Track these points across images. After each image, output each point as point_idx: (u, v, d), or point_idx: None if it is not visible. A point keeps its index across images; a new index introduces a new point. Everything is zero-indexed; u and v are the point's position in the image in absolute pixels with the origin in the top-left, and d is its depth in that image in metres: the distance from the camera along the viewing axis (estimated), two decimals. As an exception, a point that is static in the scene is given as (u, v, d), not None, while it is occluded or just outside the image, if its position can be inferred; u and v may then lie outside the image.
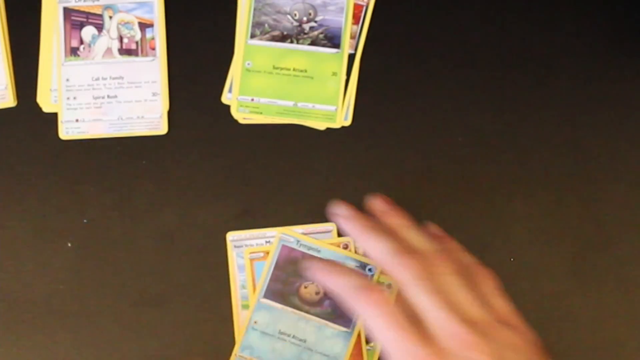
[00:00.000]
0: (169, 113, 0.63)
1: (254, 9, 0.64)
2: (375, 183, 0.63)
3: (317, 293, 0.60)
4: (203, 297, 0.61)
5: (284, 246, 0.60)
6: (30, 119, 0.64)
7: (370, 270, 0.59)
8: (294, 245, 0.60)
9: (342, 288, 0.52)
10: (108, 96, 0.64)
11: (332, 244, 0.60)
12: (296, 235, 0.60)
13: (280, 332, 0.60)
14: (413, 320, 0.50)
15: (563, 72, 0.65)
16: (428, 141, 0.64)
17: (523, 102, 0.64)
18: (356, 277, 0.52)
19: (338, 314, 0.60)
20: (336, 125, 0.64)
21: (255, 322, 0.60)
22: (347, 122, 0.64)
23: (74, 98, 0.64)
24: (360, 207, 0.62)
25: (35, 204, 0.63)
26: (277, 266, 0.60)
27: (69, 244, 0.62)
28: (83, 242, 0.62)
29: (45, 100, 0.64)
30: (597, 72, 0.65)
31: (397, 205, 0.56)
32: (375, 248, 0.53)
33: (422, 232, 0.55)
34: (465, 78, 0.65)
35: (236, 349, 0.59)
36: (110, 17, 0.64)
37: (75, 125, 0.64)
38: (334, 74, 0.64)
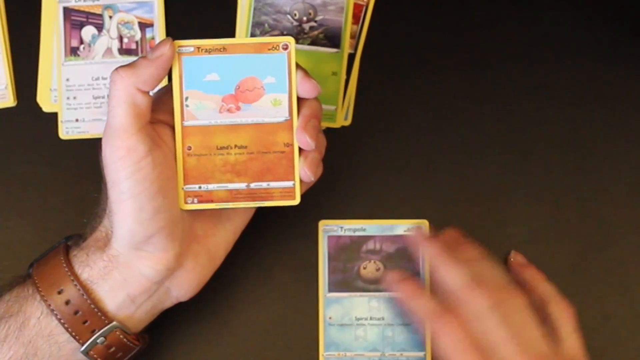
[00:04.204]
0: (169, 113, 0.63)
1: (254, 9, 0.64)
2: (375, 183, 0.63)
3: (377, 269, 0.61)
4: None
5: (329, 237, 0.61)
6: (30, 119, 0.64)
7: None
8: (339, 233, 0.61)
9: (419, 311, 0.57)
10: (108, 96, 0.64)
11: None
12: (336, 222, 0.61)
13: (357, 319, 0.61)
14: (482, 351, 0.53)
15: (563, 72, 0.65)
16: (428, 141, 0.64)
17: (523, 102, 0.64)
18: (435, 302, 0.56)
19: None
20: (336, 125, 0.64)
21: (330, 318, 0.60)
22: (347, 122, 0.64)
23: (74, 98, 0.64)
24: (357, 208, 0.63)
25: (35, 204, 0.63)
26: (331, 257, 0.61)
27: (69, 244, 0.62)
28: (83, 242, 0.62)
29: (45, 100, 0.64)
30: (597, 72, 0.65)
31: (468, 237, 0.59)
32: (453, 275, 0.56)
33: (497, 264, 0.58)
34: (465, 78, 0.65)
35: (322, 350, 0.60)
36: (110, 17, 0.64)
37: (75, 125, 0.64)
38: (334, 73, 0.64)
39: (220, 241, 0.56)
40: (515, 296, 0.56)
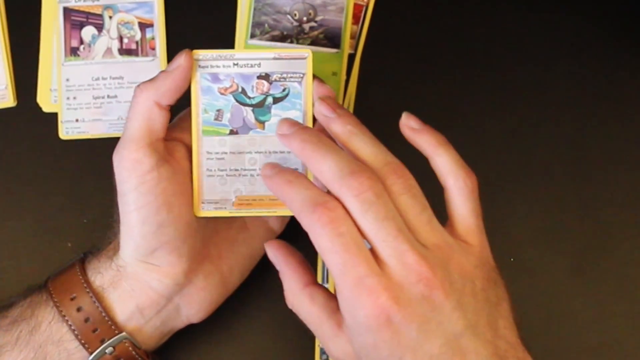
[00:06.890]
0: (169, 113, 0.63)
1: (254, 9, 0.64)
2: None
3: None
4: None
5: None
6: (30, 119, 0.64)
7: None
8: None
9: (295, 201, 0.46)
10: (108, 96, 0.64)
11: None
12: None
13: None
14: (364, 252, 0.45)
15: (563, 72, 0.65)
16: (428, 141, 0.64)
17: (523, 102, 0.64)
18: (313, 191, 0.46)
19: None
20: (336, 125, 0.64)
21: None
22: (347, 122, 0.64)
23: (74, 98, 0.64)
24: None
25: (35, 204, 0.63)
26: None
27: (69, 244, 0.62)
28: (83, 242, 0.62)
29: (45, 100, 0.64)
30: (597, 72, 0.65)
31: (342, 107, 0.51)
32: (320, 169, 0.47)
33: (373, 139, 0.49)
34: (466, 78, 0.65)
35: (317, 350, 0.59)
36: (110, 17, 0.64)
37: (75, 125, 0.64)
38: (334, 74, 0.64)
39: (234, 265, 0.56)
40: (394, 179, 0.47)
